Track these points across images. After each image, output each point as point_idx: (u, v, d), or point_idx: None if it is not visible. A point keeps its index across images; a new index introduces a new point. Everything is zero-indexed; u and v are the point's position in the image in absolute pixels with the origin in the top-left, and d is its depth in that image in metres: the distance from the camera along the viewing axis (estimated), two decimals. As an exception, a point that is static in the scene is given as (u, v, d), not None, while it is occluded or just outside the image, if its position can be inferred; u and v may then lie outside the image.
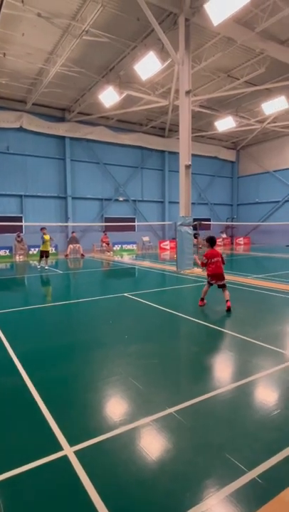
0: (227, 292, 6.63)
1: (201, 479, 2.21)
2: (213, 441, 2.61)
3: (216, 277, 6.61)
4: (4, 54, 13.46)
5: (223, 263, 6.69)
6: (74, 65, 14.43)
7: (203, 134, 23.69)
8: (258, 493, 2.07)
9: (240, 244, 26.12)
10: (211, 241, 6.75)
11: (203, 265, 6.68)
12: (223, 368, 4.17)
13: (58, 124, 19.89)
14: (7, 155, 18.93)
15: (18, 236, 17.80)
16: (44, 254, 13.49)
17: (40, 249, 13.69)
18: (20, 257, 17.63)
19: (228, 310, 6.41)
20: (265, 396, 3.37)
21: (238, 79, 15.96)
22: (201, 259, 6.88)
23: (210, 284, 6.75)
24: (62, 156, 20.62)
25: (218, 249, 23.70)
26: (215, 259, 6.57)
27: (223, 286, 6.67)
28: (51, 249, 16.82)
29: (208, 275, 6.69)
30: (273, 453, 2.43)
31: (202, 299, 6.91)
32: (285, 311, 6.73)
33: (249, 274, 10.84)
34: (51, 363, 4.19)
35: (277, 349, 4.49)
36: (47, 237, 13.38)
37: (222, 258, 6.67)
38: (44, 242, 13.36)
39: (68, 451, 2.48)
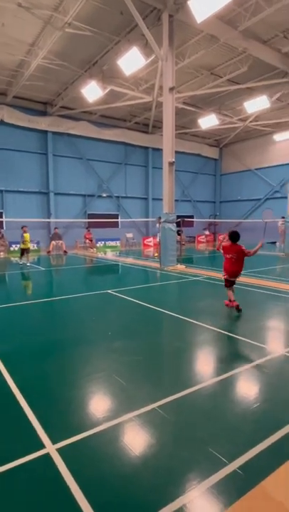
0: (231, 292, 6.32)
1: (183, 472, 2.25)
2: (195, 435, 2.65)
3: (228, 273, 6.26)
4: (-17, 44, 13.05)
5: (245, 254, 6.08)
6: (56, 58, 14.15)
7: (187, 131, 23.78)
8: (238, 484, 2.12)
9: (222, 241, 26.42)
10: (232, 236, 6.18)
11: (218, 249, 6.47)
12: (205, 363, 4.23)
13: (40, 118, 19.49)
14: (-13, 149, 18.43)
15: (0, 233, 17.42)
16: (25, 251, 13.37)
17: (20, 246, 13.59)
18: (1, 253, 17.26)
19: (238, 309, 6.06)
20: (246, 389, 3.45)
21: (221, 77, 16.07)
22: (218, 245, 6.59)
23: (229, 287, 6.35)
24: (45, 151, 20.24)
25: (201, 246, 23.72)
26: (229, 255, 6.17)
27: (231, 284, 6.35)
28: (32, 246, 16.73)
29: (224, 270, 6.35)
30: (253, 444, 2.49)
31: (230, 300, 6.30)
32: (266, 306, 6.89)
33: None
34: (33, 361, 4.14)
35: (258, 344, 4.59)
36: (27, 235, 13.31)
37: (242, 255, 6.11)
38: (24, 240, 13.29)
39: (51, 448, 2.47)
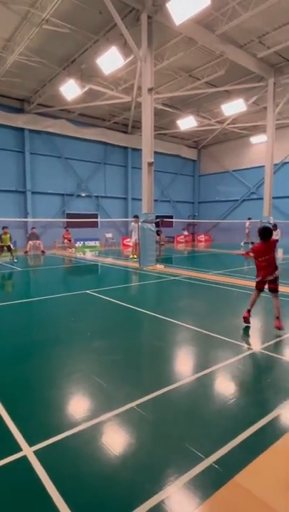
0: (278, 302, 5.06)
1: (161, 469, 2.28)
2: (173, 432, 2.69)
3: (264, 274, 5.10)
4: None
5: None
6: (33, 55, 13.90)
7: (166, 132, 23.96)
8: (214, 478, 2.18)
9: (201, 241, 26.85)
10: (263, 233, 5.01)
11: (247, 256, 5.32)
12: (183, 361, 4.29)
13: (17, 116, 19.07)
14: None
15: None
16: (6, 248, 14.02)
17: (2, 244, 14.01)
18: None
19: (278, 328, 5.00)
20: (223, 386, 3.53)
21: (199, 79, 16.32)
22: (247, 250, 5.42)
23: (259, 291, 5.25)
24: (21, 149, 19.81)
25: (180, 246, 23.90)
26: (265, 256, 5.01)
27: (273, 291, 5.09)
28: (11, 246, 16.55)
29: (257, 277, 5.21)
30: (229, 439, 2.56)
31: (248, 311, 5.37)
32: (242, 305, 7.05)
33: (209, 270, 11.20)
34: (10, 362, 4.06)
35: (234, 341, 4.70)
36: (6, 237, 13.90)
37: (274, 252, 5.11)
38: (2, 240, 13.88)
39: (27, 451, 2.43)
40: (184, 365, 4.19)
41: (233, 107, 17.53)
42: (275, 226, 14.91)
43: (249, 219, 19.83)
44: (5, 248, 14.08)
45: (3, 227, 14.01)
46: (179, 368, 4.08)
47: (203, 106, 20.29)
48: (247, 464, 2.31)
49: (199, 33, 12.22)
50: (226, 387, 3.51)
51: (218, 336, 4.90)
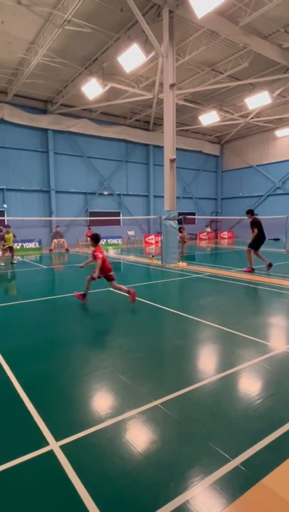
0: None
1: (185, 469, 2.26)
2: (197, 431, 2.66)
3: None
4: (-17, 42, 13.02)
5: None
6: (56, 56, 14.12)
7: (188, 128, 23.70)
8: (241, 480, 2.13)
9: (224, 238, 26.43)
10: None
11: None
12: (207, 360, 4.24)
13: (41, 116, 19.47)
14: (-12, 147, 18.44)
15: (1, 231, 17.43)
16: (9, 249, 14.32)
17: (6, 245, 14.36)
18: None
19: None
20: (248, 386, 3.46)
21: (222, 73, 16.00)
22: None
23: None
24: (45, 149, 20.23)
25: (203, 243, 23.67)
26: None
27: None
28: (34, 245, 17.15)
29: None
30: (256, 441, 2.50)
31: None
32: (267, 303, 6.89)
33: (233, 268, 11.00)
34: (36, 359, 4.16)
35: (260, 340, 4.59)
36: (9, 236, 14.14)
37: None
38: (6, 240, 14.26)
39: (54, 445, 2.48)
40: (207, 364, 4.13)
41: (258, 100, 17.08)
42: None
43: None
44: (7, 249, 14.19)
45: (6, 226, 14.32)
46: (203, 366, 4.03)
47: (226, 100, 19.89)
48: (275, 467, 2.24)
49: (222, 25, 11.95)
50: (251, 387, 3.43)
51: (243, 335, 4.80)
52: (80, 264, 7.29)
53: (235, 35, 12.50)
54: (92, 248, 6.80)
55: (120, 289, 6.79)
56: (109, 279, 6.75)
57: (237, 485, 2.10)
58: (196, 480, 2.14)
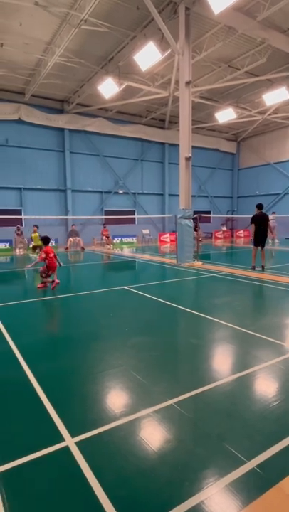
0: None
1: (200, 469, 2.24)
2: (212, 431, 2.64)
3: None
4: (2, 44, 13.26)
5: None
6: (73, 56, 14.24)
7: (204, 125, 23.48)
8: (257, 483, 2.10)
9: (240, 237, 26.09)
10: None
11: None
12: (222, 360, 4.20)
13: (57, 116, 19.70)
14: (6, 147, 18.79)
15: (18, 229, 17.79)
16: (39, 249, 14.67)
17: (34, 244, 15.02)
18: (20, 250, 17.62)
19: None
20: (265, 388, 3.40)
21: (239, 69, 15.75)
22: None
23: None
24: (62, 149, 20.46)
25: (218, 242, 23.48)
26: None
27: None
28: (50, 243, 17.47)
29: None
30: (272, 443, 2.46)
31: None
32: (284, 303, 6.75)
33: (248, 267, 10.84)
34: (52, 356, 4.22)
35: (277, 341, 4.51)
36: (35, 235, 14.78)
37: None
38: (33, 239, 14.99)
39: (70, 441, 2.51)
40: (223, 364, 4.09)
41: (276, 96, 16.76)
42: None
43: (273, 213, 18.99)
44: (37, 248, 14.65)
45: (34, 226, 14.89)
46: (218, 366, 3.99)
47: (243, 97, 19.59)
48: (292, 470, 2.20)
49: (239, 20, 11.76)
50: (268, 388, 3.38)
51: (259, 335, 4.73)
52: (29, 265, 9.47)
53: (253, 30, 12.28)
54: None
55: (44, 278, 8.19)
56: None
57: (253, 487, 2.07)
58: (211, 481, 2.13)
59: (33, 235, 14.82)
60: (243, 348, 4.43)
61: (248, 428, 2.68)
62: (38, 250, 14.74)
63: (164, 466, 2.29)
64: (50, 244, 8.48)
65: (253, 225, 10.04)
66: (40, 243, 14.36)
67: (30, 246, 15.80)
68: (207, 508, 1.94)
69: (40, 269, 8.22)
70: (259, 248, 10.13)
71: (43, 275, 8.15)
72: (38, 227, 14.95)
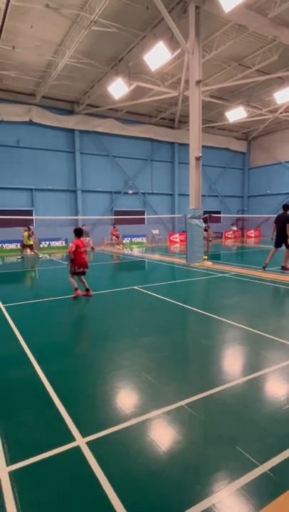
0: None
1: (211, 472, 2.22)
2: (223, 434, 2.61)
3: None
4: (13, 47, 13.42)
5: None
6: (83, 57, 14.31)
7: (214, 124, 23.33)
8: (269, 487, 2.07)
9: (250, 237, 25.84)
10: None
11: None
12: (233, 362, 4.16)
13: (68, 117, 19.84)
14: (17, 149, 19.01)
15: (29, 229, 17.96)
16: (27, 247, 15.62)
17: (24, 243, 15.51)
18: (31, 251, 17.78)
19: None
20: (276, 390, 3.35)
21: (250, 67, 15.60)
22: None
23: None
24: (72, 149, 20.60)
25: (229, 242, 23.30)
26: None
27: None
28: (61, 243, 17.85)
29: None
30: (285, 447, 2.42)
31: None
32: (297, 304, 6.65)
33: (260, 267, 10.72)
34: (63, 355, 4.25)
35: (288, 342, 4.45)
36: (25, 234, 15.31)
37: None
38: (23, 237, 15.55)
39: (81, 441, 2.52)
40: (234, 365, 4.05)
41: (287, 94, 16.54)
42: None
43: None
44: (27, 247, 15.48)
45: (26, 226, 15.56)
46: (230, 368, 3.95)
47: (254, 95, 19.39)
48: (306, 475, 2.16)
49: (250, 18, 11.64)
50: (280, 391, 3.33)
51: (270, 336, 4.67)
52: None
53: (264, 28, 12.14)
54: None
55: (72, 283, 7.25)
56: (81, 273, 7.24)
57: (265, 492, 2.04)
58: (222, 484, 2.11)
59: (24, 233, 15.33)
60: (254, 349, 4.37)
61: (259, 431, 2.65)
62: (28, 249, 15.74)
63: (174, 467, 2.27)
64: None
65: (275, 224, 9.90)
66: (30, 242, 15.35)
67: (19, 246, 16.60)
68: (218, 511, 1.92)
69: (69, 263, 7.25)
70: (282, 249, 9.95)
71: (71, 270, 7.22)
72: (29, 229, 15.53)
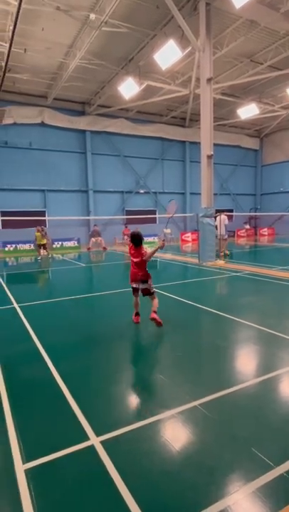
0: None
1: (226, 473, 2.20)
2: (238, 435, 2.58)
3: None
4: (25, 50, 13.58)
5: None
6: (93, 58, 14.38)
7: (225, 122, 23.10)
8: (286, 489, 2.04)
9: (264, 235, 25.49)
10: None
11: None
12: (248, 362, 4.11)
13: (79, 118, 19.98)
14: (30, 150, 19.26)
15: (42, 230, 18.19)
16: (41, 246, 16.15)
17: (37, 242, 16.15)
18: (44, 250, 18.00)
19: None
20: (292, 391, 3.30)
21: (262, 63, 15.38)
22: None
23: None
24: (83, 150, 20.74)
25: (241, 240, 23.08)
26: None
27: None
28: (73, 243, 18.02)
29: None
30: (302, 449, 2.38)
31: None
32: (313, 303, 6.53)
33: (274, 266, 10.57)
34: (76, 355, 4.28)
35: (305, 343, 4.36)
36: (38, 234, 15.99)
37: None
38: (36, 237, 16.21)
39: (95, 440, 2.54)
40: (248, 365, 4.01)
41: (300, 90, 16.22)
42: None
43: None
44: (41, 247, 16.05)
45: (38, 226, 16.07)
46: (244, 368, 3.91)
47: (266, 92, 19.12)
48: None
49: (261, 13, 11.47)
50: (296, 391, 3.27)
51: (285, 336, 4.60)
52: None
53: (276, 23, 11.94)
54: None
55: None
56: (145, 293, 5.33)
57: (282, 494, 2.01)
58: (237, 485, 2.08)
59: (36, 234, 15.91)
60: (269, 349, 4.31)
61: (275, 432, 2.61)
62: (42, 249, 16.09)
63: (189, 468, 2.26)
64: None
65: None
66: (44, 241, 15.78)
67: (33, 245, 17.13)
68: (234, 513, 1.90)
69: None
70: None
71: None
72: (42, 230, 16.02)
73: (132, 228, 20.32)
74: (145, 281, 5.26)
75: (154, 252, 5.18)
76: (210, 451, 2.43)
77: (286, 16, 11.79)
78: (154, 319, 5.05)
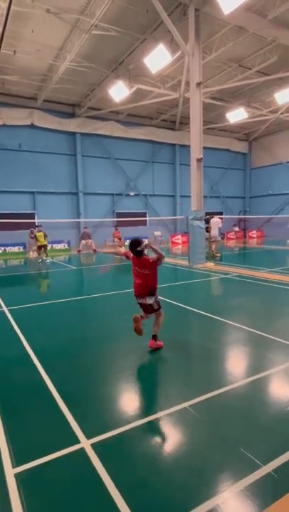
0: None
1: (215, 473, 2.24)
2: (227, 435, 2.63)
3: None
4: (14, 52, 13.51)
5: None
6: (83, 60, 14.39)
7: (215, 126, 23.36)
8: (274, 487, 2.08)
9: (253, 238, 25.80)
10: None
11: None
12: (237, 363, 4.17)
13: (69, 120, 19.93)
14: (19, 152, 19.09)
15: (32, 232, 18.04)
16: (42, 248, 15.42)
17: (39, 243, 15.36)
18: (34, 253, 17.85)
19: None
20: (281, 391, 3.36)
21: (250, 68, 15.63)
22: None
23: None
24: (73, 152, 20.68)
25: (231, 242, 23.29)
26: None
27: None
28: (63, 246, 17.86)
29: None
30: (288, 447, 2.43)
31: None
32: (300, 305, 6.65)
33: (262, 268, 10.72)
34: (66, 357, 4.27)
35: (292, 344, 4.45)
36: (40, 234, 15.14)
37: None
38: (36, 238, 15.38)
39: (86, 443, 2.54)
40: (238, 366, 4.07)
41: (287, 95, 16.55)
42: None
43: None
44: (42, 248, 15.27)
45: (37, 226, 15.50)
46: (233, 369, 3.97)
47: (254, 96, 19.42)
48: (309, 475, 2.17)
49: (250, 20, 11.68)
50: (283, 392, 3.34)
51: (275, 338, 4.67)
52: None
53: (264, 29, 12.17)
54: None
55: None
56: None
57: (269, 492, 2.05)
58: (226, 485, 2.12)
59: (37, 234, 15.17)
60: (258, 350, 4.38)
61: (263, 432, 2.66)
62: (43, 250, 15.39)
63: (179, 469, 2.29)
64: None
65: None
66: (45, 242, 15.12)
67: (34, 248, 16.42)
68: (223, 512, 1.93)
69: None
70: None
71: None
72: (32, 232, 15.55)
73: (123, 231, 20.43)
74: (152, 294, 4.47)
75: (158, 251, 4.44)
76: (200, 451, 2.46)
77: (273, 23, 12.04)
78: (154, 348, 4.27)
